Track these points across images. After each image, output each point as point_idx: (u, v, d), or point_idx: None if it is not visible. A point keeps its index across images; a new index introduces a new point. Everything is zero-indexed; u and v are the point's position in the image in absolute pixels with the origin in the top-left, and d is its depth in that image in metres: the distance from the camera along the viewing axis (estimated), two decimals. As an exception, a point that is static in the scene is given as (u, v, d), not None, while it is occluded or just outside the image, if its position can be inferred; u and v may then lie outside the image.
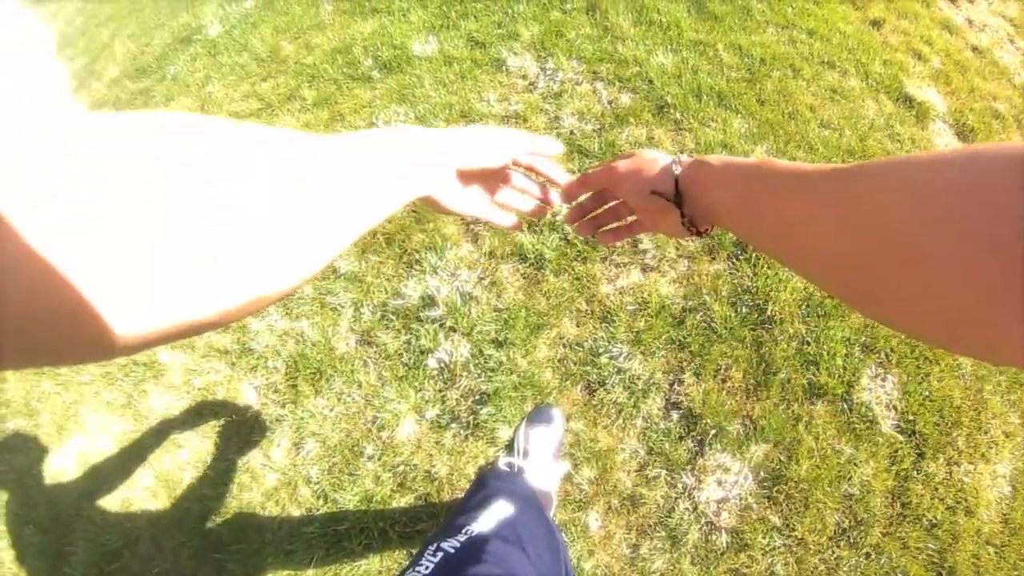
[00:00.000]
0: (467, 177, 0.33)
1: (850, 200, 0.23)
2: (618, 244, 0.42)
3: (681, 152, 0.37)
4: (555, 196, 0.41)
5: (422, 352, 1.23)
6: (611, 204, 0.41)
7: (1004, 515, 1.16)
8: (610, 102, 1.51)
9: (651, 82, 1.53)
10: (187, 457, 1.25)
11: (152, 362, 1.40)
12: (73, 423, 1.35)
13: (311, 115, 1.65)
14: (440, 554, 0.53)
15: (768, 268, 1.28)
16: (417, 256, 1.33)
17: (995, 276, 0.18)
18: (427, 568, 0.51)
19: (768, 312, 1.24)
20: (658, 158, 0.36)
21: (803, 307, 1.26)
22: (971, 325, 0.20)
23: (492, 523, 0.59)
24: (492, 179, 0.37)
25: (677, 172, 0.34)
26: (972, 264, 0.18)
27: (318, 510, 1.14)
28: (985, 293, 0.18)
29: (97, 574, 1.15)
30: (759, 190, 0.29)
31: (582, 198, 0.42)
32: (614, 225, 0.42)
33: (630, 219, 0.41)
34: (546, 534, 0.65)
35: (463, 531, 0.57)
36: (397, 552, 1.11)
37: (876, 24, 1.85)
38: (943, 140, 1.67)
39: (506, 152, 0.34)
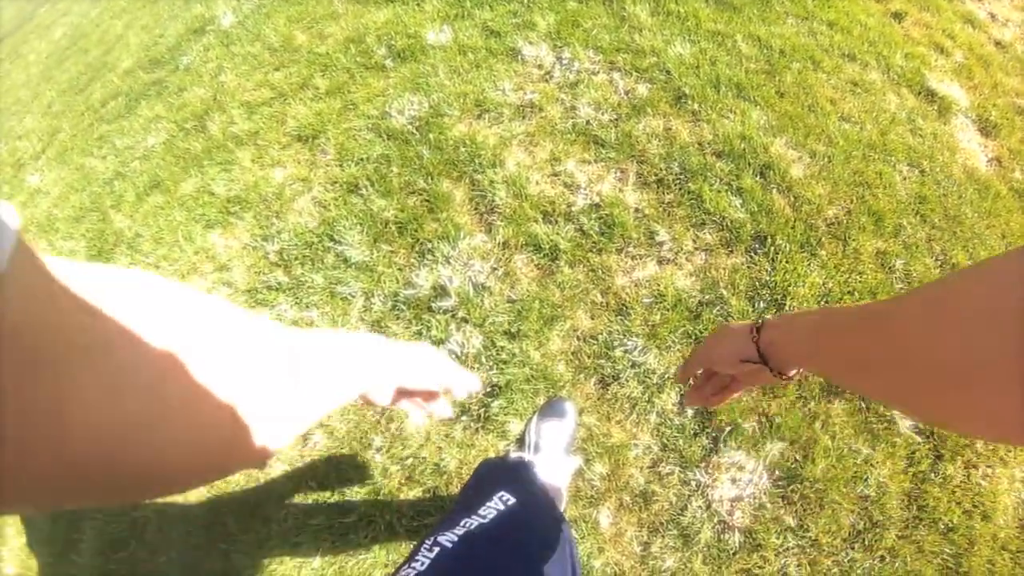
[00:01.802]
0: (400, 391, 0.40)
1: (889, 336, 0.27)
2: (726, 401, 0.52)
3: (758, 319, 0.43)
4: (443, 405, 0.47)
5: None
6: (712, 377, 0.49)
7: (1021, 520, 1.12)
8: (627, 92, 1.47)
9: (668, 73, 1.48)
10: None
11: None
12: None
13: (323, 104, 1.62)
14: (436, 549, 0.50)
15: (787, 263, 1.23)
16: (429, 245, 1.30)
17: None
18: (422, 564, 0.48)
19: (786, 307, 1.19)
20: (739, 330, 0.43)
21: (822, 303, 1.22)
22: (1014, 426, 0.21)
23: (492, 516, 0.55)
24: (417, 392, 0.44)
25: (756, 339, 0.40)
26: (1010, 370, 0.20)
27: (325, 502, 1.12)
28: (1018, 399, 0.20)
29: (104, 563, 1.13)
30: (821, 341, 0.35)
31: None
32: (719, 392, 0.50)
33: (730, 381, 0.48)
34: (552, 528, 0.61)
35: (461, 524, 0.53)
36: (403, 546, 1.08)
37: (898, 17, 1.79)
38: (965, 135, 1.61)
39: (437, 383, 0.42)
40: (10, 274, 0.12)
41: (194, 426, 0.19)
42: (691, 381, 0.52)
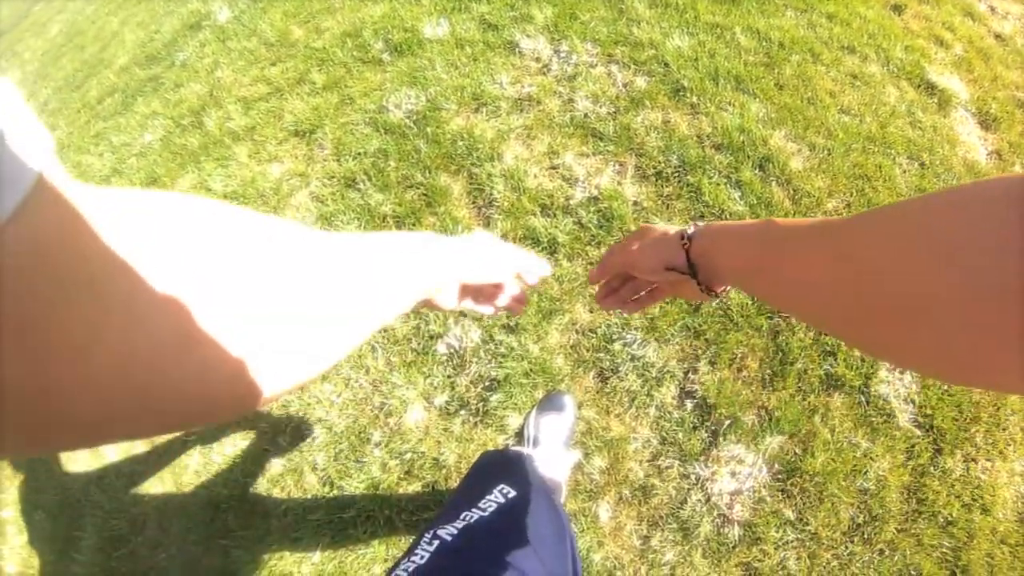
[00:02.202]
0: (465, 288, 0.37)
1: (844, 256, 0.24)
2: (643, 308, 0.48)
3: (686, 223, 0.38)
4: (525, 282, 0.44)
5: (431, 337, 1.19)
6: (631, 281, 0.44)
7: (1020, 514, 1.12)
8: (625, 85, 1.46)
9: (667, 65, 1.47)
10: (193, 443, 1.22)
11: None
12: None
13: (320, 99, 1.61)
14: (436, 542, 0.49)
15: (786, 256, 1.23)
16: (427, 240, 1.29)
17: (994, 318, 0.17)
18: (422, 557, 0.47)
19: (786, 301, 1.19)
20: (667, 233, 0.38)
21: (822, 296, 1.21)
22: (977, 367, 0.20)
23: (492, 509, 0.54)
24: (486, 287, 0.41)
25: (687, 247, 0.36)
26: (972, 310, 0.18)
27: (324, 497, 1.11)
28: (988, 336, 0.18)
29: (105, 559, 1.13)
30: (762, 254, 0.31)
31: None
32: (637, 297, 0.45)
33: (651, 288, 0.44)
34: (552, 521, 0.60)
35: (461, 517, 0.53)
36: (403, 540, 1.08)
37: (897, 9, 1.78)
38: (965, 128, 1.60)
39: (505, 272, 0.38)
40: (36, 198, 0.12)
41: (218, 360, 0.18)
42: (603, 282, 0.46)
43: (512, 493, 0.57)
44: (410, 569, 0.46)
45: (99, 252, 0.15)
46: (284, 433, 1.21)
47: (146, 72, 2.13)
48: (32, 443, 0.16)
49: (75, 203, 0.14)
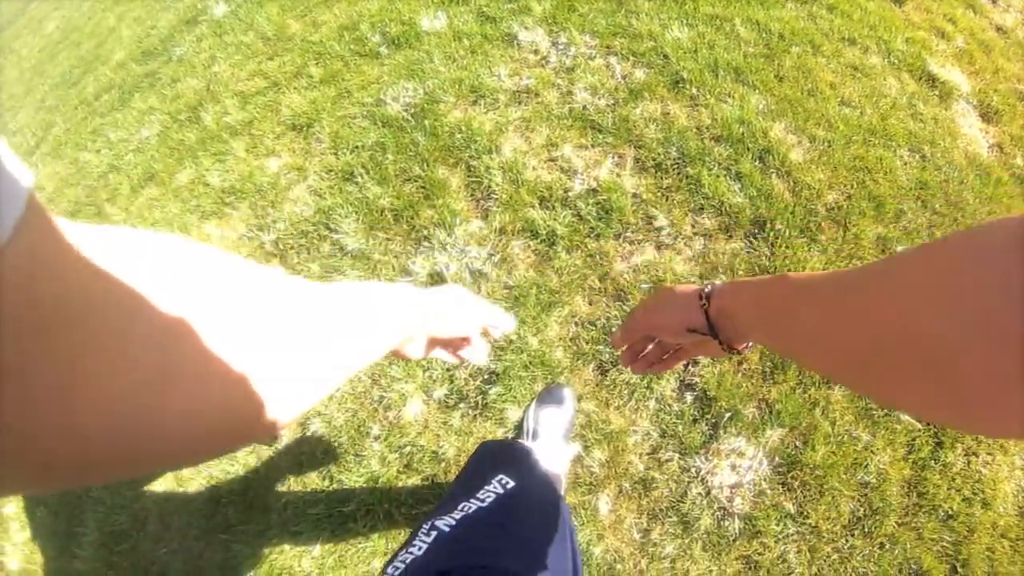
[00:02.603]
0: (433, 339, 0.39)
1: (857, 306, 0.24)
2: (667, 369, 0.48)
3: (705, 284, 0.39)
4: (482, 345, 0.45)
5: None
6: (656, 343, 0.45)
7: (1021, 508, 1.12)
8: (624, 77, 1.45)
9: (666, 57, 1.46)
10: None
11: None
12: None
13: (318, 92, 1.60)
14: (434, 533, 0.48)
15: (786, 248, 1.22)
16: (426, 232, 1.28)
17: (996, 364, 0.17)
18: (419, 548, 0.46)
19: (786, 293, 1.18)
20: (685, 294, 0.39)
21: (822, 289, 1.20)
22: (984, 414, 0.20)
23: (491, 500, 0.53)
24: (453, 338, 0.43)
25: (706, 307, 0.37)
26: (975, 355, 0.18)
27: (323, 491, 1.11)
28: (992, 382, 0.18)
29: (107, 554, 1.13)
30: (778, 309, 0.31)
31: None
32: (664, 358, 0.46)
33: (675, 349, 0.45)
34: (552, 513, 0.59)
35: (459, 508, 0.52)
36: (402, 534, 1.07)
37: (898, 0, 1.76)
38: (967, 121, 1.59)
39: (472, 327, 0.39)
40: (18, 239, 0.12)
41: (207, 393, 0.18)
42: (628, 346, 0.46)
43: (511, 484, 0.56)
44: (408, 561, 0.45)
45: (83, 288, 0.14)
46: (283, 428, 1.20)
47: (143, 68, 2.12)
48: (31, 483, 0.16)
49: (60, 238, 0.14)
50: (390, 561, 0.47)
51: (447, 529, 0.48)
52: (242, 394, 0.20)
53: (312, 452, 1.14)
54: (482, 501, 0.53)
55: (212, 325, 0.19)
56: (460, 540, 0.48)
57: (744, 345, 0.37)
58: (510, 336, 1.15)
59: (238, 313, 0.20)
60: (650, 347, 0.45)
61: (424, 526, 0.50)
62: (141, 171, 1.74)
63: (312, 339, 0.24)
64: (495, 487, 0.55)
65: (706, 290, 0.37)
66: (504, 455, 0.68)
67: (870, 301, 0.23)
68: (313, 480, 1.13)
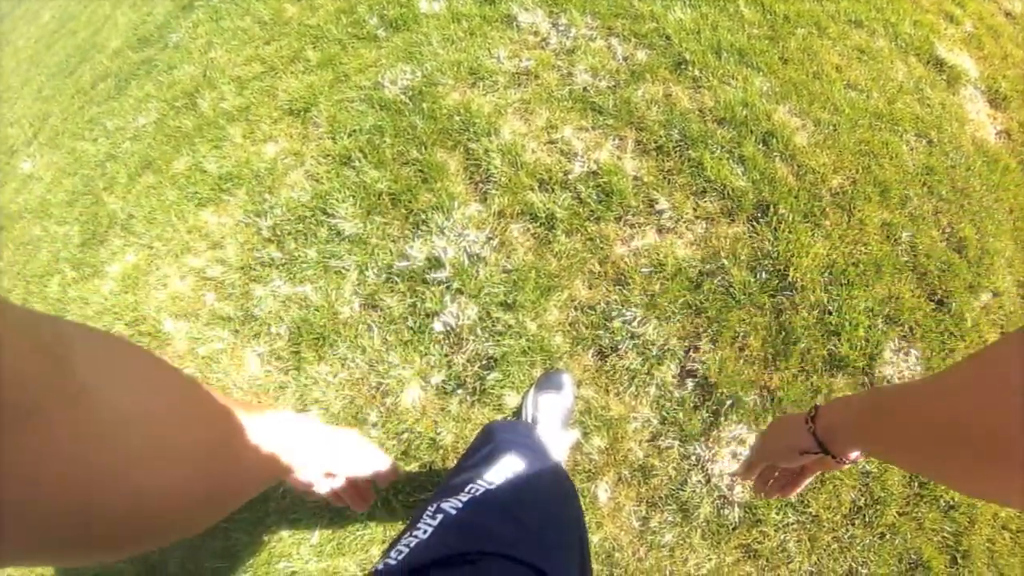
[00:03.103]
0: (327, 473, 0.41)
1: (938, 417, 0.28)
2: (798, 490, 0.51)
3: (811, 408, 0.43)
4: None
5: (427, 315, 1.17)
6: (780, 469, 0.49)
7: None
8: (625, 58, 1.42)
9: (668, 38, 1.43)
10: None
11: (157, 331, 1.36)
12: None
13: (315, 76, 1.57)
14: (440, 516, 0.46)
15: (789, 233, 1.19)
16: (423, 216, 1.26)
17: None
18: (425, 532, 0.44)
19: (789, 278, 1.16)
20: (793, 422, 0.43)
21: (826, 274, 1.18)
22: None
23: (499, 481, 0.51)
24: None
25: (813, 430, 0.41)
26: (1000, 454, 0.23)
27: None
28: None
29: None
30: (876, 427, 0.36)
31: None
32: (792, 480, 0.50)
33: (799, 470, 0.48)
34: (563, 498, 0.57)
35: (466, 489, 0.50)
36: (400, 521, 1.06)
37: (906, -16, 1.72)
38: (975, 106, 1.56)
39: (362, 470, 0.43)
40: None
41: (166, 473, 0.20)
42: (753, 477, 0.52)
43: (522, 466, 0.54)
44: (412, 544, 0.42)
45: (48, 384, 0.15)
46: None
47: (139, 55, 2.09)
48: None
49: (21, 322, 0.15)
50: (393, 544, 0.44)
51: (454, 512, 0.46)
52: (178, 489, 0.21)
53: (308, 438, 1.13)
54: (490, 484, 0.51)
55: (164, 412, 0.21)
56: (468, 523, 0.46)
57: (856, 454, 0.41)
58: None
59: (187, 410, 0.22)
60: (776, 474, 0.49)
61: (429, 508, 0.48)
62: (138, 159, 1.72)
63: (242, 443, 0.26)
64: (504, 469, 0.53)
65: (811, 412, 0.42)
66: (514, 436, 0.66)
67: (952, 402, 0.27)
68: (310, 467, 1.11)
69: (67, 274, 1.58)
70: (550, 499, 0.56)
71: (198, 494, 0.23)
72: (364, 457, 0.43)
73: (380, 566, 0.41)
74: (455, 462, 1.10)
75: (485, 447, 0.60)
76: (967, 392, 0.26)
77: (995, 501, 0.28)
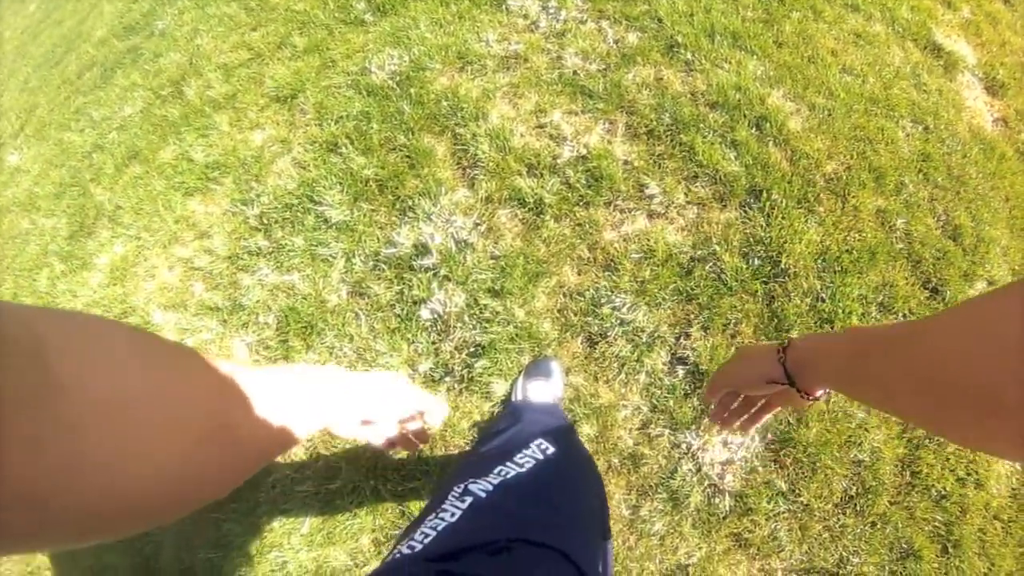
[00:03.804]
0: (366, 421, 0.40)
1: (921, 362, 0.27)
2: (756, 425, 0.50)
3: (783, 340, 0.42)
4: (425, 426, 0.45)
5: (415, 303, 1.15)
6: (742, 399, 0.48)
7: (1014, 490, 1.09)
8: (616, 41, 1.39)
9: (660, 21, 1.40)
10: None
11: (147, 323, 1.34)
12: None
13: (302, 62, 1.54)
14: (469, 498, 0.43)
15: (783, 218, 1.17)
16: (410, 202, 1.24)
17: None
18: (453, 515, 0.41)
19: (782, 265, 1.14)
20: (764, 351, 0.42)
21: (819, 261, 1.16)
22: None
23: (530, 466, 0.49)
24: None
25: (783, 360, 0.40)
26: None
27: (310, 468, 1.08)
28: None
29: None
30: (852, 366, 0.34)
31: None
32: (752, 413, 0.48)
33: (762, 403, 0.47)
34: (592, 486, 0.55)
35: (495, 472, 0.47)
36: (390, 511, 1.05)
37: (904, -32, 1.69)
38: (972, 93, 1.53)
39: (402, 414, 0.40)
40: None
41: (148, 461, 0.20)
42: (717, 402, 0.50)
43: (551, 450, 0.52)
44: (439, 527, 0.40)
45: (17, 383, 0.15)
46: None
47: (125, 43, 2.05)
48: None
49: (25, 324, 0.15)
50: (415, 526, 0.41)
51: (484, 495, 0.44)
52: (177, 472, 0.21)
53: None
54: (520, 467, 0.48)
55: (142, 404, 0.20)
56: (499, 509, 0.43)
57: (821, 392, 0.40)
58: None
59: (175, 391, 0.22)
60: (736, 403, 0.48)
61: (455, 489, 0.45)
62: (125, 149, 1.70)
63: (248, 415, 0.25)
64: (534, 452, 0.51)
65: (783, 344, 0.41)
66: (543, 417, 0.64)
67: (934, 347, 0.26)
68: (300, 458, 1.10)
69: (56, 267, 1.56)
70: (578, 482, 0.54)
71: (190, 478, 0.22)
72: (403, 399, 0.40)
73: (404, 549, 0.38)
74: (443, 451, 1.09)
75: (514, 428, 0.57)
76: (957, 344, 0.24)
77: (982, 450, 0.26)
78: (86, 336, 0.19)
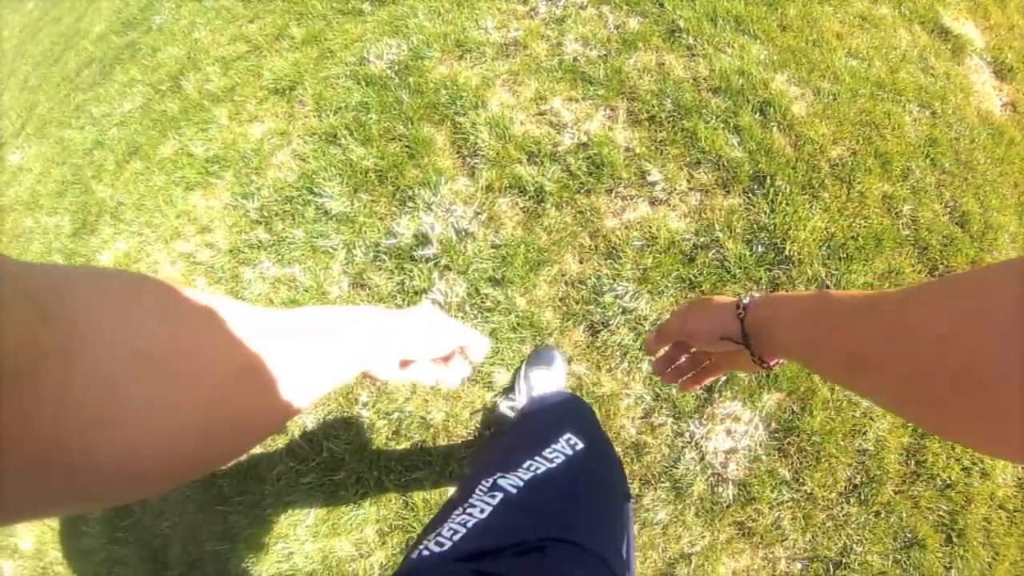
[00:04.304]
0: (405, 361, 0.39)
1: (903, 326, 0.24)
2: (699, 386, 0.47)
3: (744, 295, 0.38)
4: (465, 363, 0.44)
5: (416, 293, 1.14)
6: (690, 353, 0.44)
7: (1019, 479, 1.08)
8: (617, 27, 1.36)
9: (661, 5, 1.37)
10: None
11: None
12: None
13: (300, 54, 1.53)
14: (498, 494, 0.41)
15: (787, 205, 1.15)
16: (410, 193, 1.22)
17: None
18: (482, 511, 0.40)
19: (786, 252, 1.12)
20: (723, 305, 0.38)
21: (824, 248, 1.14)
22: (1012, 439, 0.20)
23: (560, 461, 0.47)
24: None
25: (742, 317, 0.36)
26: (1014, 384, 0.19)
27: (314, 460, 1.08)
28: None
29: (111, 531, 1.14)
30: (820, 325, 0.31)
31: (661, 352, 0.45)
32: (695, 373, 0.45)
33: (707, 363, 0.44)
34: (619, 482, 0.54)
35: (525, 467, 0.45)
36: (393, 502, 1.04)
37: (911, -50, 1.65)
38: (980, 77, 1.50)
39: (443, 350, 0.39)
40: None
41: (159, 424, 0.19)
42: (661, 352, 0.46)
43: (580, 445, 0.50)
44: (469, 524, 0.38)
45: (36, 340, 0.15)
46: None
47: (123, 39, 2.04)
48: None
49: (19, 288, 0.15)
50: (442, 520, 0.40)
51: (514, 491, 0.42)
52: (201, 426, 0.20)
53: (301, 422, 1.11)
54: (550, 461, 0.47)
55: (168, 358, 0.19)
56: (530, 507, 0.42)
57: (776, 361, 0.36)
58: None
59: (201, 340, 0.21)
60: (684, 358, 0.44)
61: (483, 483, 0.43)
62: (125, 145, 1.69)
63: (278, 361, 0.25)
64: (563, 447, 0.49)
65: (744, 300, 0.36)
66: (570, 410, 0.62)
67: (918, 320, 0.23)
68: (304, 450, 1.10)
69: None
70: (609, 479, 0.53)
71: (215, 435, 0.22)
72: (443, 334, 0.38)
73: (432, 546, 0.37)
74: (446, 440, 1.08)
75: (543, 421, 0.56)
76: (949, 316, 0.22)
77: (958, 436, 0.23)
78: (109, 289, 0.19)
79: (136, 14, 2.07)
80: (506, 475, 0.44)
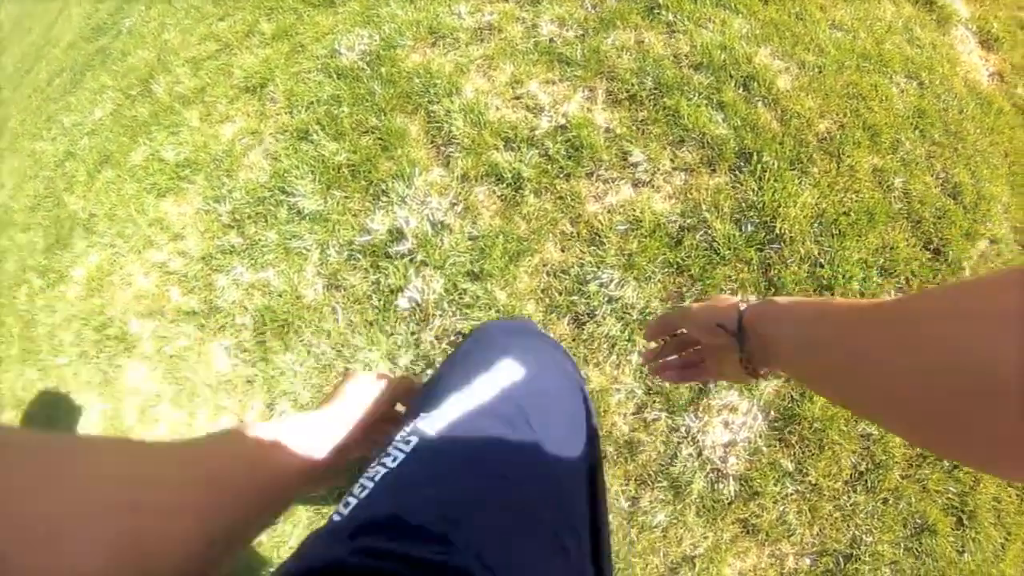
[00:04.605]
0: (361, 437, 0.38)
1: (912, 333, 0.24)
2: (684, 385, 0.48)
3: (744, 300, 0.39)
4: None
5: (392, 292, 1.07)
6: (684, 349, 0.45)
7: None
8: (594, 6, 1.31)
9: (639, -17, 1.32)
10: (165, 431, 1.16)
11: (124, 334, 1.29)
12: (59, 409, 1.26)
13: (270, 49, 1.47)
14: (414, 439, 0.33)
15: (775, 181, 1.10)
16: (384, 186, 1.16)
17: None
18: (394, 459, 0.32)
19: (776, 230, 1.06)
20: (731, 300, 0.39)
21: (815, 225, 1.09)
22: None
23: (492, 393, 0.38)
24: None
25: (743, 309, 0.36)
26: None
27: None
28: None
29: None
30: (821, 328, 0.30)
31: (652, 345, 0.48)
32: (684, 368, 0.46)
33: (698, 362, 0.45)
34: (572, 410, 0.43)
35: (447, 401, 0.36)
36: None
37: (891, -78, 1.61)
38: (966, 48, 1.46)
39: (380, 407, 0.39)
40: None
41: (60, 550, 0.19)
42: (657, 341, 0.47)
43: (522, 372, 0.40)
44: (376, 477, 0.31)
45: None
46: (251, 410, 1.12)
47: (93, 45, 1.98)
48: None
49: None
50: (357, 477, 0.32)
51: (433, 434, 0.34)
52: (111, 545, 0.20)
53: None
54: (480, 396, 0.37)
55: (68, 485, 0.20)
56: (444, 454, 0.33)
57: (764, 370, 0.36)
58: (476, 293, 1.04)
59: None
60: (673, 356, 0.45)
61: (404, 429, 0.35)
62: (96, 154, 1.63)
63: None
64: (498, 376, 0.39)
65: (748, 300, 0.38)
66: (511, 333, 0.50)
67: (929, 326, 0.23)
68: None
69: (34, 283, 1.50)
70: (555, 414, 0.41)
71: None
72: (361, 408, 0.38)
73: (334, 516, 0.30)
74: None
75: (478, 350, 0.43)
76: (957, 321, 0.21)
77: (962, 454, 0.22)
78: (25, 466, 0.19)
79: (105, 18, 2.01)
80: (426, 415, 0.35)
